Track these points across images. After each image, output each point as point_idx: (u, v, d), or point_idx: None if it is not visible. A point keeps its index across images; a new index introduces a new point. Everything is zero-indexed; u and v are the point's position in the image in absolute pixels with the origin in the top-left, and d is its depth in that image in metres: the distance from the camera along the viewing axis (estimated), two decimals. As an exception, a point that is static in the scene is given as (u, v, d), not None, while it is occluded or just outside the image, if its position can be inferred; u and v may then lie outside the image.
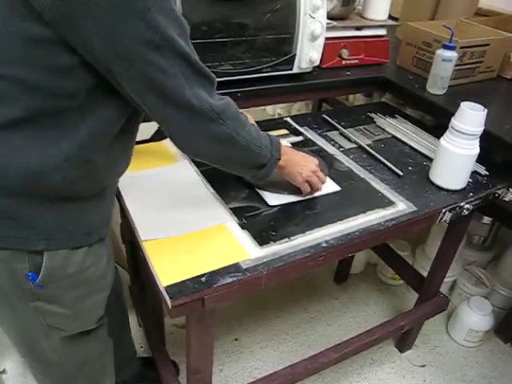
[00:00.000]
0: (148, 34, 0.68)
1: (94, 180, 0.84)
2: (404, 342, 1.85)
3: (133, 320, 1.86)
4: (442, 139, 1.21)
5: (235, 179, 1.18)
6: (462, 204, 1.20)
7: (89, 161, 0.79)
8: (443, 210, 1.17)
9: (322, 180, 1.14)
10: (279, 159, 1.01)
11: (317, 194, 1.16)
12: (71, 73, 0.71)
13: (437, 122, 1.70)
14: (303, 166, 1.10)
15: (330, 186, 1.19)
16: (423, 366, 1.83)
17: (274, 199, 1.12)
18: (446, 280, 1.73)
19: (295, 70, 1.52)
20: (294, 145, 1.37)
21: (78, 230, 0.85)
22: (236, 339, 1.86)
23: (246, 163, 0.97)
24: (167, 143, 1.32)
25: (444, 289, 2.00)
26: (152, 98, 0.76)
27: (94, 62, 0.70)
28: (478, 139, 1.18)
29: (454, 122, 1.17)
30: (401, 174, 1.27)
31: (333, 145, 1.41)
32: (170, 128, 0.83)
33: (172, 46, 0.72)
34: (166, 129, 0.84)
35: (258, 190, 1.14)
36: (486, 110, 1.15)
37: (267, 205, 1.10)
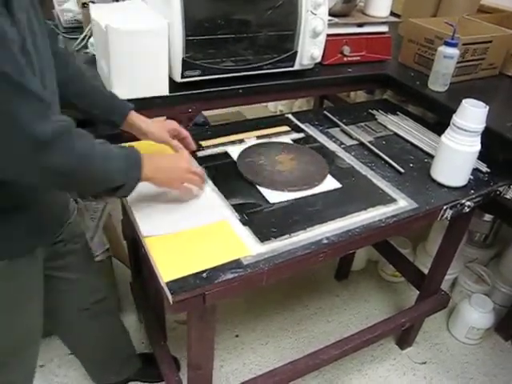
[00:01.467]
0: None
1: None
2: (405, 339, 1.86)
3: (134, 316, 1.87)
4: (443, 136, 1.21)
5: (236, 176, 1.18)
6: (463, 201, 1.20)
7: None
8: (444, 207, 1.17)
9: (199, 175, 1.06)
10: (139, 178, 0.92)
11: (317, 190, 1.16)
12: None
13: (438, 119, 1.70)
14: (174, 168, 1.01)
15: (330, 183, 1.19)
16: (424, 363, 1.84)
17: (275, 196, 1.12)
18: (447, 277, 1.73)
19: (297, 67, 1.52)
20: (295, 141, 1.38)
21: None
22: (237, 336, 1.87)
23: (92, 189, 0.92)
24: (168, 140, 1.33)
25: (445, 286, 2.00)
26: None
27: None
28: (480, 136, 1.18)
29: (456, 118, 1.17)
30: (402, 170, 1.27)
31: (334, 141, 1.41)
32: None
33: None
34: None
35: (258, 187, 1.15)
36: (488, 107, 1.14)
37: (268, 201, 1.10)
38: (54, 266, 1.11)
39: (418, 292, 1.76)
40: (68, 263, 1.16)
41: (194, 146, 1.20)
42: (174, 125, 1.17)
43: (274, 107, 3.60)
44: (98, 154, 0.83)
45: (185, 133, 1.18)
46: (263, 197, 1.12)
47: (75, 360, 1.48)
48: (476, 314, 1.86)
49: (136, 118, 1.11)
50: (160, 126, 1.14)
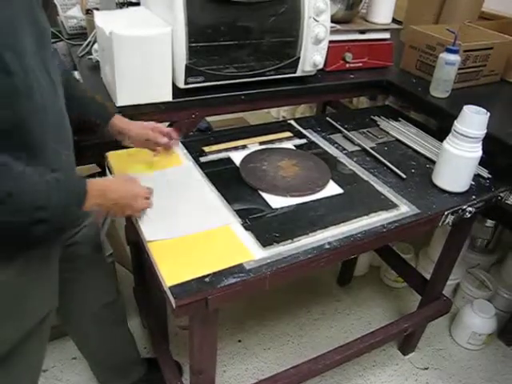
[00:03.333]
0: None
1: None
2: (407, 344, 1.86)
3: (137, 321, 1.88)
4: (444, 142, 1.22)
5: (239, 182, 1.19)
6: (465, 207, 1.21)
7: None
8: (446, 213, 1.18)
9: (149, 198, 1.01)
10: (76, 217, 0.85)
11: (319, 196, 1.16)
12: None
13: (440, 125, 1.71)
14: (129, 194, 0.95)
15: (333, 189, 1.20)
16: (426, 369, 1.83)
17: (278, 201, 1.13)
18: (449, 283, 1.73)
19: (299, 73, 1.54)
20: (298, 147, 1.39)
21: None
22: (239, 341, 1.87)
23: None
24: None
25: (447, 292, 2.01)
26: None
27: None
28: (481, 142, 1.18)
29: (457, 125, 1.18)
30: (404, 176, 1.28)
31: (336, 147, 1.42)
32: None
33: None
34: None
35: (261, 193, 1.15)
36: (489, 114, 1.15)
37: (270, 207, 1.11)
38: (66, 268, 1.10)
39: (420, 297, 1.76)
40: (80, 265, 1.18)
41: (177, 137, 1.23)
42: (153, 123, 1.20)
43: (276, 113, 3.62)
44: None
45: (166, 129, 1.21)
46: (266, 202, 1.12)
47: (78, 365, 1.48)
48: (478, 320, 1.85)
49: (118, 119, 1.16)
50: (139, 124, 1.18)
